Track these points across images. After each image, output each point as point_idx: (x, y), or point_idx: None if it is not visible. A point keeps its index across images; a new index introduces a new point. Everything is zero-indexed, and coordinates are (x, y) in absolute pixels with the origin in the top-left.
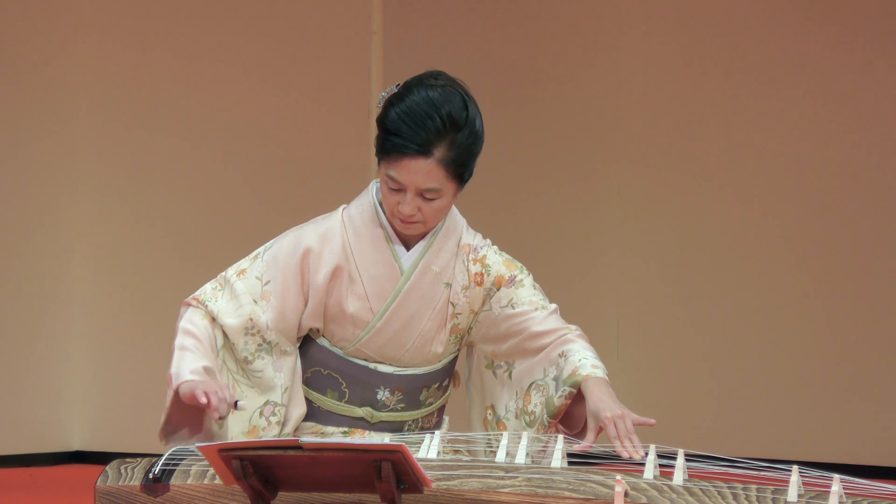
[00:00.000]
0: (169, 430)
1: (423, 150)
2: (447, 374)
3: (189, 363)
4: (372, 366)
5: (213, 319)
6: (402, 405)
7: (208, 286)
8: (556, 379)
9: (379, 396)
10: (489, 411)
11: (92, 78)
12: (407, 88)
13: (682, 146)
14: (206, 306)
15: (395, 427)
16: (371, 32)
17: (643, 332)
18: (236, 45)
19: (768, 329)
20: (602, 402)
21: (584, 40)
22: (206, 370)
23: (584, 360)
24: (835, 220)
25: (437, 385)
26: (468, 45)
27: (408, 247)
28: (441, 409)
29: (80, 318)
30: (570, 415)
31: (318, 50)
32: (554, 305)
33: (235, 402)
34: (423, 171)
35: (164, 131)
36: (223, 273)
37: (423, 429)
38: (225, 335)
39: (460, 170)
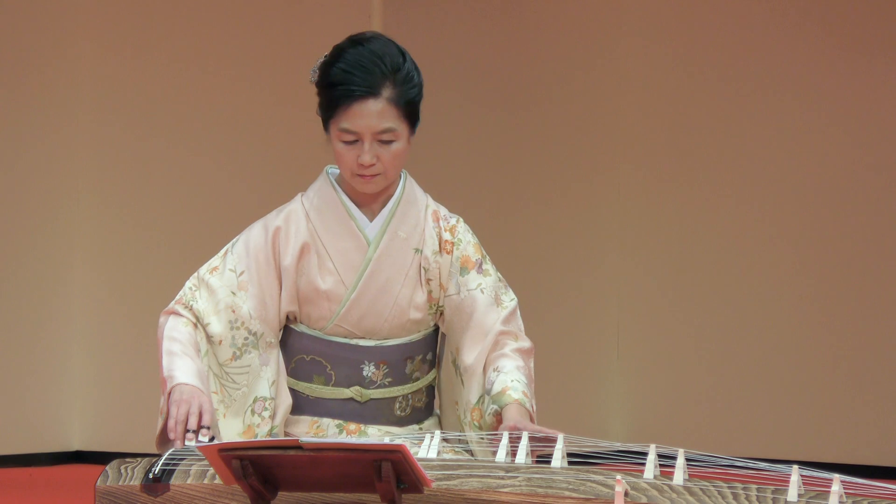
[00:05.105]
0: (165, 439)
1: (372, 91)
2: (429, 347)
3: (181, 366)
4: (353, 342)
5: (196, 325)
6: (390, 379)
7: (186, 287)
8: (489, 392)
9: (365, 373)
10: (456, 406)
11: (92, 79)
12: (340, 49)
13: (683, 150)
14: (192, 307)
15: (387, 405)
16: None
17: (643, 333)
18: (236, 46)
19: (768, 329)
20: (520, 421)
21: (585, 43)
22: (199, 375)
23: (515, 381)
24: (834, 221)
25: (420, 357)
26: (468, 47)
27: (371, 217)
28: (430, 390)
29: (80, 318)
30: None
31: (318, 50)
32: (514, 302)
33: (200, 429)
34: (376, 111)
35: (164, 132)
36: (196, 273)
37: (414, 408)
38: (209, 340)
39: (410, 109)
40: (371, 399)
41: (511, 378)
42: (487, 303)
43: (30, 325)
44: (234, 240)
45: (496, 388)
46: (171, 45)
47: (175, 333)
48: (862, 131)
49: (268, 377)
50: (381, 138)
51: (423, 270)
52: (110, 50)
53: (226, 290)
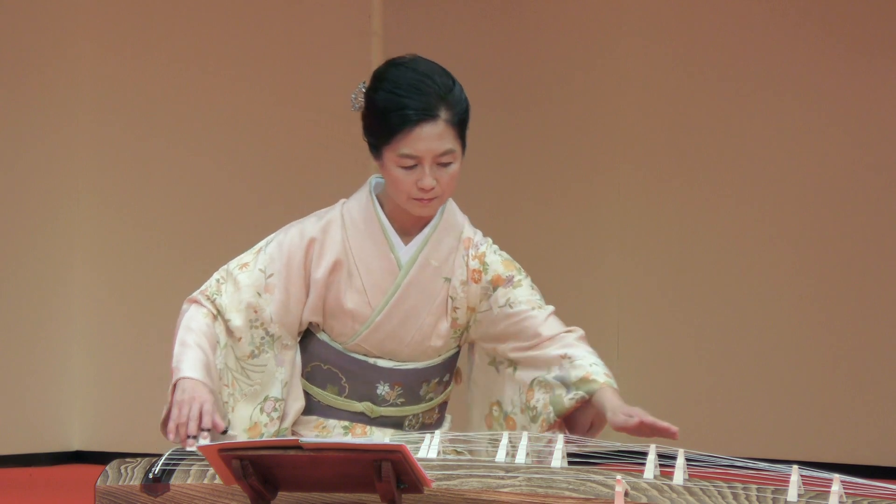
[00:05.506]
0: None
1: (430, 114)
2: (447, 369)
3: (188, 357)
4: (371, 360)
5: (216, 317)
6: (402, 400)
7: (213, 279)
8: (560, 379)
9: (378, 391)
10: (495, 408)
11: (92, 79)
12: (381, 74)
13: (683, 149)
14: (214, 301)
15: (396, 422)
16: (371, 32)
17: (644, 333)
18: (236, 46)
19: (768, 329)
20: (624, 406)
21: (585, 43)
22: (206, 367)
23: (594, 366)
24: (834, 221)
25: (437, 380)
26: (469, 47)
27: (406, 240)
28: (443, 406)
29: (80, 318)
30: (572, 418)
31: (318, 50)
32: (551, 307)
33: (201, 432)
34: (436, 134)
35: (164, 132)
36: (225, 266)
37: (424, 424)
38: (228, 333)
39: (462, 129)
40: (381, 415)
41: (589, 363)
42: (526, 308)
43: (30, 325)
44: (270, 238)
45: (576, 375)
46: (171, 45)
47: (192, 324)
48: (862, 131)
49: (281, 378)
50: (440, 161)
51: (450, 300)
52: (110, 50)
53: (251, 289)
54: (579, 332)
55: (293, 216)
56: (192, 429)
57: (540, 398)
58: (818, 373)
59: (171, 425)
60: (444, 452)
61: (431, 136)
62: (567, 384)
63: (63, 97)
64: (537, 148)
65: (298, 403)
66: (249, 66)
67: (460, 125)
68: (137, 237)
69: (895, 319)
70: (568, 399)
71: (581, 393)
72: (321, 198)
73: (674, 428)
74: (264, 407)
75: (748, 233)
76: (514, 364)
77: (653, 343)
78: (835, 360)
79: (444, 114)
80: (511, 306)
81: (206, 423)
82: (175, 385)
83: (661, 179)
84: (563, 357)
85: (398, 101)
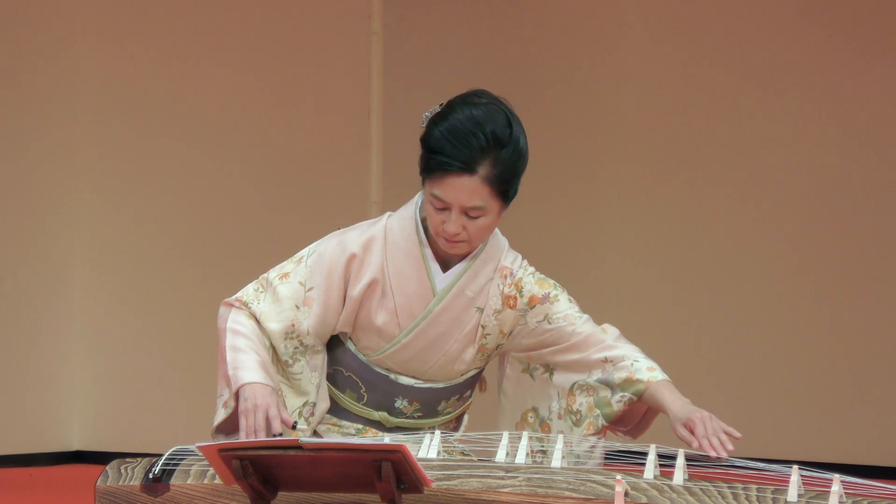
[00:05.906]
0: (225, 430)
1: (467, 168)
2: (469, 386)
3: (245, 363)
4: (393, 376)
5: (257, 320)
6: (419, 414)
7: (250, 288)
8: (604, 382)
9: (397, 405)
10: (530, 414)
11: (92, 78)
12: (450, 107)
13: (684, 148)
14: (249, 308)
15: (411, 432)
16: (371, 32)
17: (643, 333)
18: (237, 46)
19: (769, 329)
20: (685, 405)
21: (586, 42)
22: (263, 367)
23: (636, 363)
24: (835, 221)
25: (456, 397)
26: (469, 46)
27: (445, 267)
28: (460, 416)
29: (80, 318)
30: (620, 416)
31: (318, 50)
32: (587, 315)
33: (273, 437)
34: (468, 189)
35: (164, 132)
36: (265, 275)
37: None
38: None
39: (504, 188)
40: (397, 426)
41: (630, 362)
42: (564, 324)
43: (30, 325)
44: (310, 249)
45: (619, 377)
46: (171, 44)
47: (238, 327)
48: (862, 131)
49: (315, 382)
50: (469, 213)
51: (480, 328)
52: (110, 49)
53: (290, 301)
54: (615, 331)
55: (292, 215)
56: (262, 438)
57: (583, 402)
58: (818, 373)
59: (243, 436)
60: (450, 453)
61: (463, 189)
62: (611, 386)
63: (63, 96)
64: (537, 147)
65: (324, 404)
66: (250, 65)
67: (501, 183)
68: (137, 237)
69: (895, 319)
70: (616, 402)
71: (627, 395)
72: (321, 197)
73: (729, 446)
74: (303, 412)
75: (748, 232)
76: (550, 369)
77: (652, 343)
78: (835, 360)
79: (483, 170)
80: (549, 322)
81: (276, 428)
82: (237, 394)
83: (661, 179)
84: (605, 361)
85: (443, 145)
